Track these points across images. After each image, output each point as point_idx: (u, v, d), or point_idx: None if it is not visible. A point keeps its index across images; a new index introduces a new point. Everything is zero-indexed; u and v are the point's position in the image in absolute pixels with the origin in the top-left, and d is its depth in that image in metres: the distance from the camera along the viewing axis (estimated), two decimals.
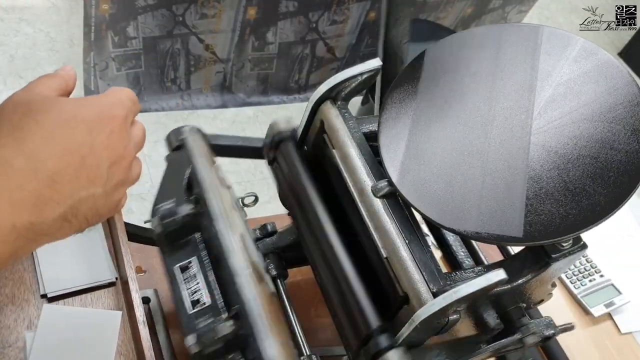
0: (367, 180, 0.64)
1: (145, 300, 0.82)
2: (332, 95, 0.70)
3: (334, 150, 0.68)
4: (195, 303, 0.63)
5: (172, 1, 1.90)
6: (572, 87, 0.64)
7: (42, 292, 0.73)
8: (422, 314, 0.55)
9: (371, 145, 0.68)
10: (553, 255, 0.61)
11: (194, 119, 2.22)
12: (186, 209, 0.67)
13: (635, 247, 1.16)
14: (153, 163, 1.96)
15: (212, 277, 0.64)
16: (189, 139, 0.71)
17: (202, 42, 2.07)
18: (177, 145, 0.72)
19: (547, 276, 0.64)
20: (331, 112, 0.69)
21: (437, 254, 1.04)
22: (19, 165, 0.39)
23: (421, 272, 0.57)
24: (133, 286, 0.63)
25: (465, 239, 0.82)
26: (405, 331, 0.57)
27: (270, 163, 0.76)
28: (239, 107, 2.32)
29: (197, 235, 0.67)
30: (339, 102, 0.71)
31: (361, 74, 0.69)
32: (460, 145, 0.63)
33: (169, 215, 0.65)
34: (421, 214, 0.60)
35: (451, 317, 0.57)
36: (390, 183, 0.62)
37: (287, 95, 2.41)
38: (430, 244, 0.65)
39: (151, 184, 1.91)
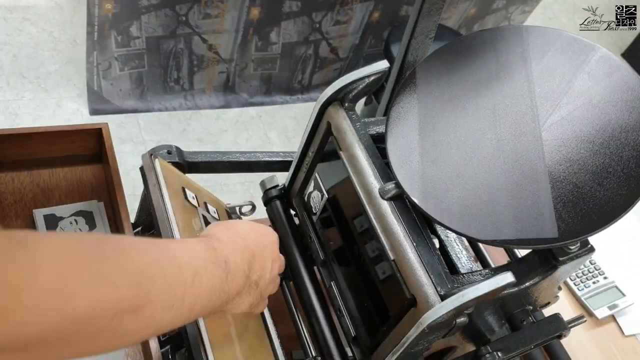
0: (374, 182, 0.64)
1: None
2: (339, 97, 0.70)
3: (341, 152, 0.68)
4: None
5: (176, 1, 1.90)
6: (584, 93, 0.64)
7: None
8: (429, 317, 0.55)
9: (378, 147, 0.68)
10: (560, 259, 0.61)
11: (197, 119, 2.22)
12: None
13: (639, 250, 1.16)
14: None
15: None
16: (146, 166, 0.73)
17: (206, 42, 2.07)
18: None
19: (554, 279, 0.64)
20: (338, 114, 0.69)
21: None
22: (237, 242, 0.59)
23: (429, 274, 0.57)
24: None
25: (472, 242, 0.82)
26: (413, 334, 0.57)
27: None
28: (242, 107, 2.32)
29: None
30: (346, 104, 0.71)
31: (368, 76, 0.69)
32: (468, 148, 0.63)
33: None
34: (429, 216, 0.60)
35: (458, 320, 0.57)
36: (398, 185, 0.62)
37: (290, 95, 2.41)
38: (437, 246, 0.65)
39: None
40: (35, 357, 0.38)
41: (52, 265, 0.37)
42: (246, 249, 0.59)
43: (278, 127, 2.30)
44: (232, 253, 0.56)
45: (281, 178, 0.83)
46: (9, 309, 0.35)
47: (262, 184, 0.83)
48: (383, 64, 0.69)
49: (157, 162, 0.71)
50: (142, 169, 0.72)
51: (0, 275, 0.34)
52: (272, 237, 0.66)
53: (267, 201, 0.82)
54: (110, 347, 0.44)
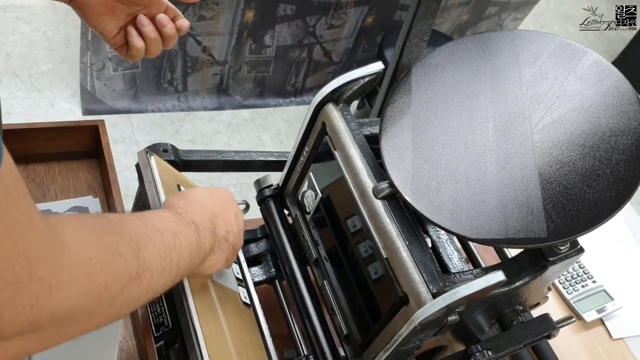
0: (368, 181, 0.64)
1: None
2: (334, 98, 0.71)
3: (335, 152, 0.69)
4: (159, 326, 0.64)
5: (170, 2, 1.90)
6: (575, 97, 0.65)
7: None
8: (421, 314, 0.56)
9: (372, 147, 0.69)
10: (550, 259, 0.62)
11: (190, 121, 2.22)
12: None
13: (628, 254, 1.17)
14: None
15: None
16: (142, 163, 0.73)
17: (200, 44, 2.08)
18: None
19: (544, 279, 0.65)
20: (333, 114, 0.70)
21: None
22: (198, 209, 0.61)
23: (421, 272, 0.58)
24: None
25: (463, 241, 0.83)
26: (404, 331, 0.58)
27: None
28: (236, 109, 2.32)
29: None
30: (340, 105, 0.72)
31: (363, 77, 0.70)
32: (460, 148, 0.64)
33: None
34: (421, 214, 0.61)
35: (450, 318, 0.58)
36: (391, 184, 0.63)
37: (283, 98, 2.41)
38: (430, 245, 0.66)
39: None
40: (61, 334, 0.40)
41: (76, 243, 0.39)
42: (206, 210, 0.62)
43: (271, 129, 2.31)
44: (196, 215, 0.59)
45: (275, 178, 0.84)
46: (54, 287, 0.37)
47: (257, 183, 0.83)
48: (378, 65, 0.70)
49: (152, 160, 0.72)
50: (137, 166, 0.73)
51: (48, 255, 0.36)
52: (227, 194, 0.68)
53: (261, 200, 0.82)
54: (121, 314, 0.47)
